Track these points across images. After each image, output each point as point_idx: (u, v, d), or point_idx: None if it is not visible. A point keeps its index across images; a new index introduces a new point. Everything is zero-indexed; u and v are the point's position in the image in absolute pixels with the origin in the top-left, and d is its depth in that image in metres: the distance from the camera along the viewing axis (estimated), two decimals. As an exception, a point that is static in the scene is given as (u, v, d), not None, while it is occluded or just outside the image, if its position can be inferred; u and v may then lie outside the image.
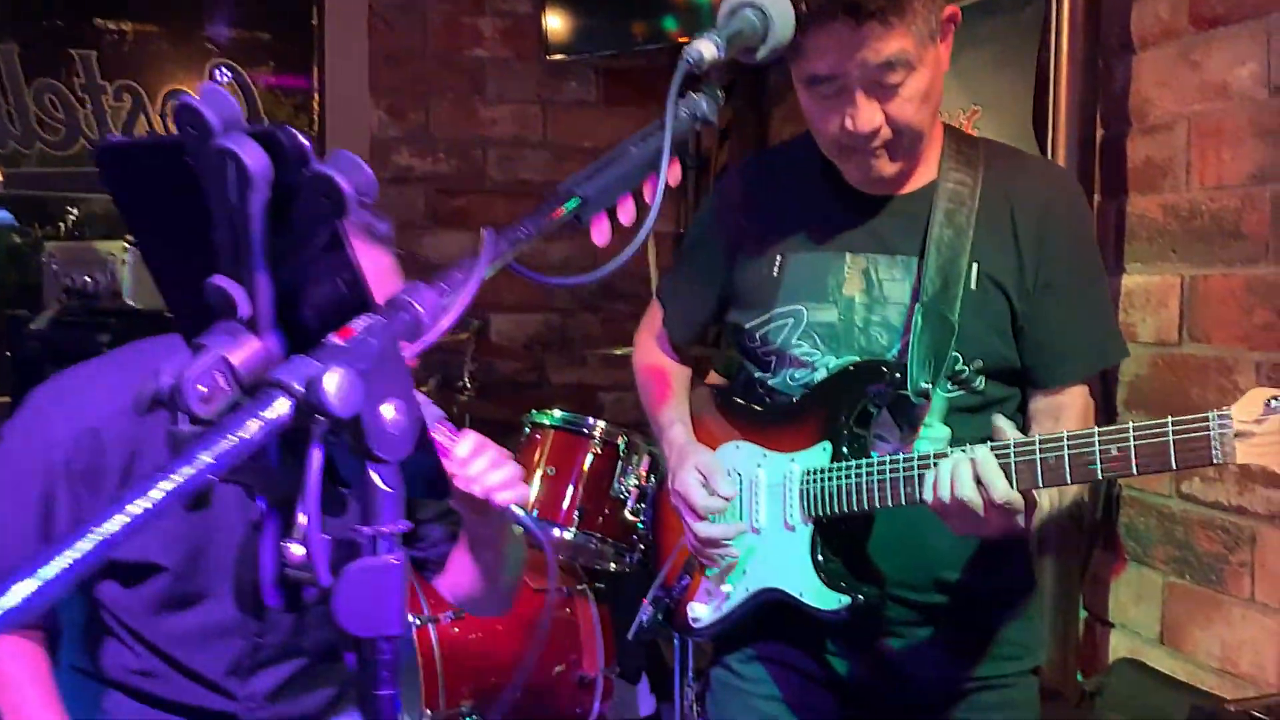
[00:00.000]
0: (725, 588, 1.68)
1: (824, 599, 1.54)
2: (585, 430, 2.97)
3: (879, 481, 1.49)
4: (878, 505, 1.50)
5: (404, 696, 2.99)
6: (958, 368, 1.57)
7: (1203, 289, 2.56)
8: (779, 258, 1.67)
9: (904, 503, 1.46)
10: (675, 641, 2.87)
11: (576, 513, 2.88)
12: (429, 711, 2.79)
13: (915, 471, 1.46)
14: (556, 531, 2.91)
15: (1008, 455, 1.37)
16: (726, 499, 1.66)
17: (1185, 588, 2.63)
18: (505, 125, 4.64)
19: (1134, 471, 1.27)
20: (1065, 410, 1.61)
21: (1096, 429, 1.30)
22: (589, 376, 4.70)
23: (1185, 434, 1.24)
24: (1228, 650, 2.50)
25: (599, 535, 2.90)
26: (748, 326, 1.71)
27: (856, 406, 1.57)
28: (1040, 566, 2.60)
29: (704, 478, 1.67)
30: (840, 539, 1.58)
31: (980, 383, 1.59)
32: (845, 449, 1.56)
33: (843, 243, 1.64)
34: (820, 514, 1.56)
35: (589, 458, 2.94)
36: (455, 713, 2.84)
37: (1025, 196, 1.60)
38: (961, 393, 1.59)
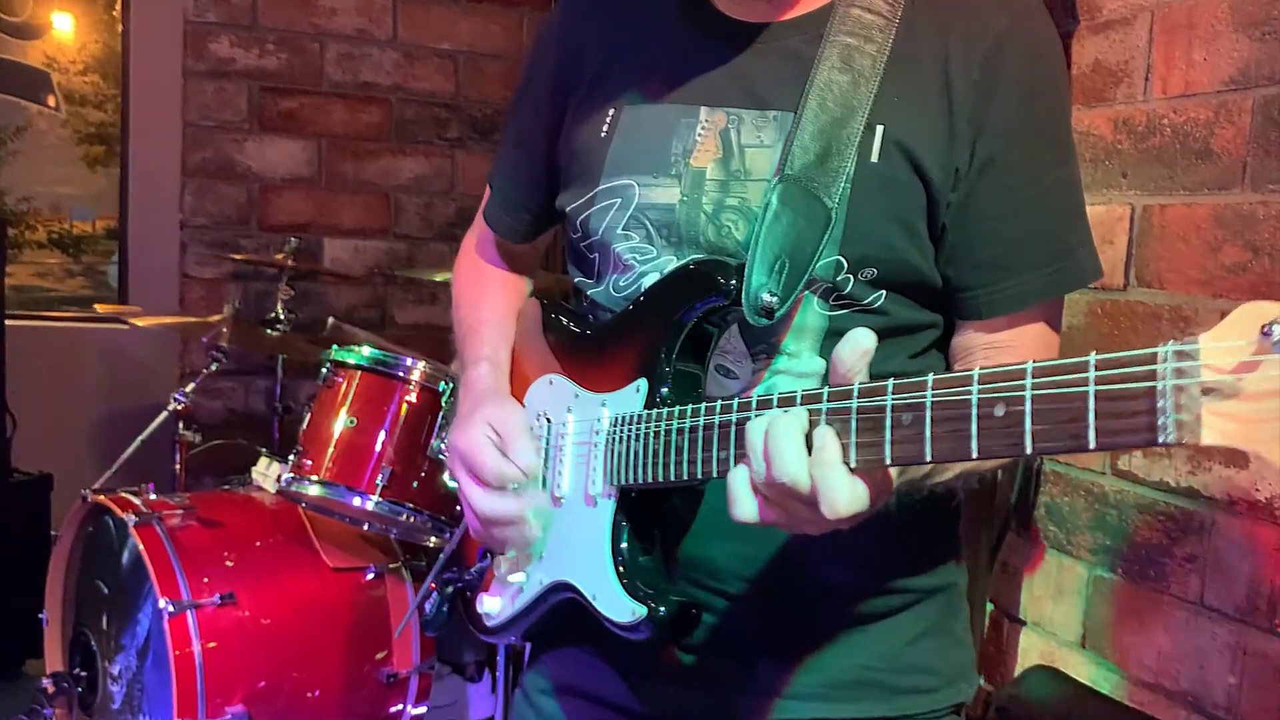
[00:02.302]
0: (516, 576, 1.19)
1: (616, 606, 1.05)
2: (400, 372, 2.39)
3: (687, 440, 0.97)
4: (685, 476, 0.98)
5: (150, 700, 2.40)
6: (839, 277, 1.06)
7: (1158, 221, 2.09)
8: (611, 112, 1.17)
9: (715, 474, 0.95)
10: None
11: (381, 476, 2.30)
12: (181, 722, 2.19)
13: (733, 424, 0.93)
14: (357, 500, 2.33)
15: (848, 412, 0.84)
16: (524, 472, 1.14)
17: (1116, 583, 2.18)
18: (348, 17, 3.97)
19: (1027, 448, 0.72)
20: (1010, 357, 1.08)
21: (978, 370, 0.76)
22: (440, 316, 4.07)
23: (1115, 384, 0.68)
24: (1165, 661, 2.07)
25: (410, 505, 2.33)
26: (569, 211, 1.21)
27: (680, 330, 1.06)
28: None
29: (498, 437, 1.16)
30: (655, 520, 1.08)
31: (877, 299, 1.08)
32: (666, 389, 1.05)
33: (697, 91, 1.12)
34: (624, 483, 1.05)
35: (402, 407, 2.36)
36: (219, 723, 2.25)
37: (968, 30, 1.07)
38: (846, 312, 1.08)
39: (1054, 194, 1.10)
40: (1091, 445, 0.69)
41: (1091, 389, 0.69)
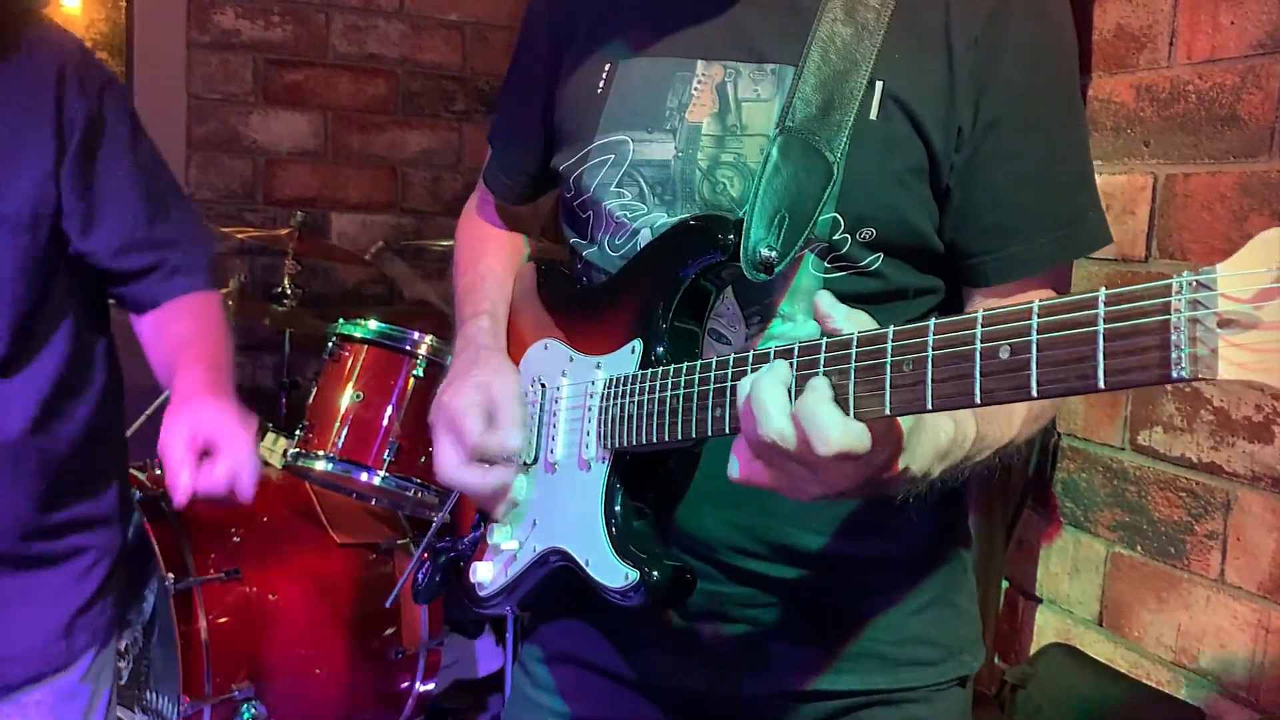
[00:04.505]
0: (509, 544, 1.18)
1: (609, 571, 1.04)
2: (407, 346, 2.36)
3: (681, 399, 0.96)
4: (680, 436, 0.96)
5: (156, 676, 2.39)
6: (836, 236, 1.03)
7: (1182, 191, 2.04)
8: (607, 67, 1.15)
9: (710, 433, 0.94)
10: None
11: (388, 451, 2.27)
12: (187, 699, 2.18)
13: (729, 383, 0.91)
14: (364, 476, 2.30)
15: (846, 361, 0.80)
16: (510, 450, 1.13)
17: (1134, 561, 2.15)
18: (354, -13, 3.90)
19: (1033, 391, 0.68)
20: None
21: (981, 312, 0.73)
22: (449, 292, 4.04)
23: (1126, 319, 0.64)
24: (1185, 639, 2.03)
25: (418, 480, 2.30)
26: (562, 169, 1.19)
27: (676, 287, 1.04)
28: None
29: (490, 404, 1.14)
30: (649, 485, 1.07)
31: (874, 262, 1.05)
32: (662, 349, 1.04)
33: (694, 44, 1.10)
34: (618, 445, 1.04)
35: (409, 381, 2.33)
36: (226, 699, 2.23)
37: None
38: (844, 274, 1.05)
39: (1061, 158, 1.08)
40: (1101, 385, 0.65)
41: (1100, 326, 0.65)
